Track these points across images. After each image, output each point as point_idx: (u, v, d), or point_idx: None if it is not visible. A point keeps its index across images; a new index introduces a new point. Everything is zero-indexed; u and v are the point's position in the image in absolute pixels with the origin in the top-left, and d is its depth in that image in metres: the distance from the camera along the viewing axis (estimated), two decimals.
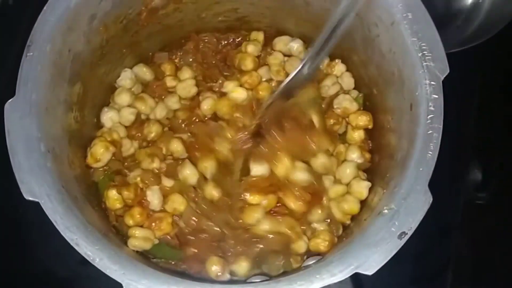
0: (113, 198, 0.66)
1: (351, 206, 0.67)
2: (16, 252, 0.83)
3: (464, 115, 0.91)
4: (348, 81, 0.77)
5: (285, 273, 0.61)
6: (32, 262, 0.82)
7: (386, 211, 0.56)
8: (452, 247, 0.85)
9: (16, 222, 0.83)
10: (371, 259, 0.53)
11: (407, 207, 0.55)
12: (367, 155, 0.73)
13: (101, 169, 0.69)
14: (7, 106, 0.57)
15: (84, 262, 0.77)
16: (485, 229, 0.88)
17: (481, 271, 0.87)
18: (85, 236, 0.53)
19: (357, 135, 0.73)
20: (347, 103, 0.73)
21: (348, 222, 0.68)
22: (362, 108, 0.75)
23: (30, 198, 0.53)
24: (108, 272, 0.51)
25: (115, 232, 0.66)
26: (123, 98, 0.73)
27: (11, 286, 0.82)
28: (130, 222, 0.66)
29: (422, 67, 0.60)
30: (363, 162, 0.72)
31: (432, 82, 0.60)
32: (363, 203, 0.68)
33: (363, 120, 0.72)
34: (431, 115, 0.59)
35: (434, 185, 0.82)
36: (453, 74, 0.90)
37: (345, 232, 0.67)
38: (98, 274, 0.77)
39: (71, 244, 0.52)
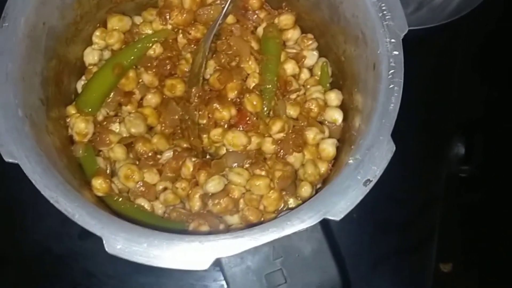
0: (100, 186, 0.68)
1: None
2: (10, 233, 0.85)
3: (447, 89, 0.94)
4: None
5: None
6: (27, 241, 0.84)
7: (351, 161, 0.58)
8: (436, 219, 0.87)
9: (9, 203, 0.85)
10: (339, 205, 0.56)
11: (371, 157, 0.58)
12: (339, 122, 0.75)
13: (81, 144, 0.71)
14: None
15: (79, 237, 0.81)
16: (468, 201, 0.90)
17: (465, 243, 0.89)
18: (64, 194, 0.54)
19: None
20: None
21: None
22: (330, 76, 0.78)
23: (10, 160, 0.55)
24: (87, 227, 0.53)
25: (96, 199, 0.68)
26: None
27: (6, 266, 0.84)
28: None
29: (382, 26, 0.63)
30: (336, 128, 0.75)
31: (392, 40, 0.62)
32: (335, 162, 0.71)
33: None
34: (392, 71, 0.61)
35: (417, 157, 0.86)
36: (435, 48, 0.94)
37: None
38: (93, 251, 0.80)
39: (51, 202, 0.54)
